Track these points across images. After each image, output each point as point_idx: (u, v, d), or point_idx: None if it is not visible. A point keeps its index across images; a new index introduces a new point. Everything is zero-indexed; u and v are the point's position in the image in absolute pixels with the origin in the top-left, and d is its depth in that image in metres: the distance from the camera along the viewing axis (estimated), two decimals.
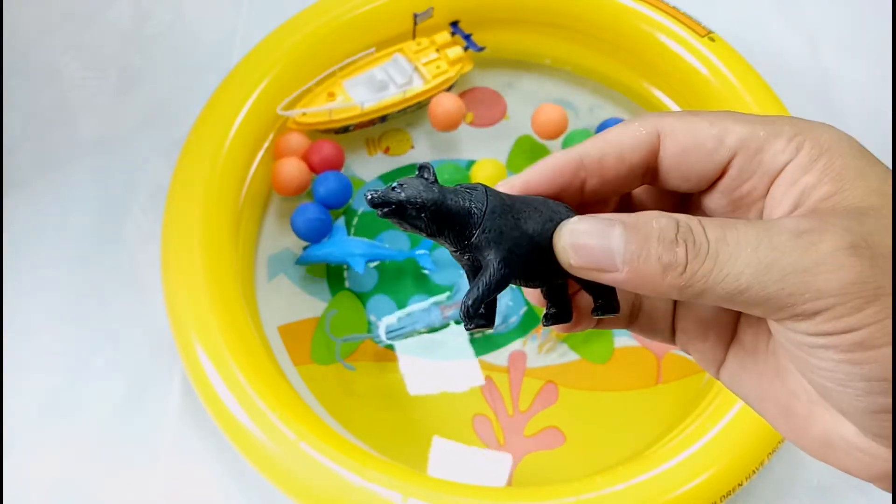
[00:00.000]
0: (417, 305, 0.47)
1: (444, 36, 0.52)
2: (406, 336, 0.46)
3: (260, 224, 0.50)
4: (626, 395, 0.45)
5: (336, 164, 0.50)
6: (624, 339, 0.47)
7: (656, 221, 0.17)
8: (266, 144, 0.49)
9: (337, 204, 0.48)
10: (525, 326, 0.47)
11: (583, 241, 0.18)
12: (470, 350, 0.46)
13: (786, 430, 0.19)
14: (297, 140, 0.49)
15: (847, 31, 0.59)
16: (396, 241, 0.49)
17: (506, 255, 0.18)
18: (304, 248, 0.48)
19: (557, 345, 0.47)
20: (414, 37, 0.52)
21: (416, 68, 0.51)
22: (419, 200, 0.19)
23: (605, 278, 0.17)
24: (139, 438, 0.43)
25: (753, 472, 0.39)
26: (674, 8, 0.51)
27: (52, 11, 0.58)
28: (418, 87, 0.51)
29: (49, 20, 0.58)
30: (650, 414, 0.45)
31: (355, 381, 0.45)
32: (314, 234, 0.47)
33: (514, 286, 0.19)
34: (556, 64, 0.55)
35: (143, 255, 0.48)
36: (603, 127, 0.52)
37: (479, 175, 0.49)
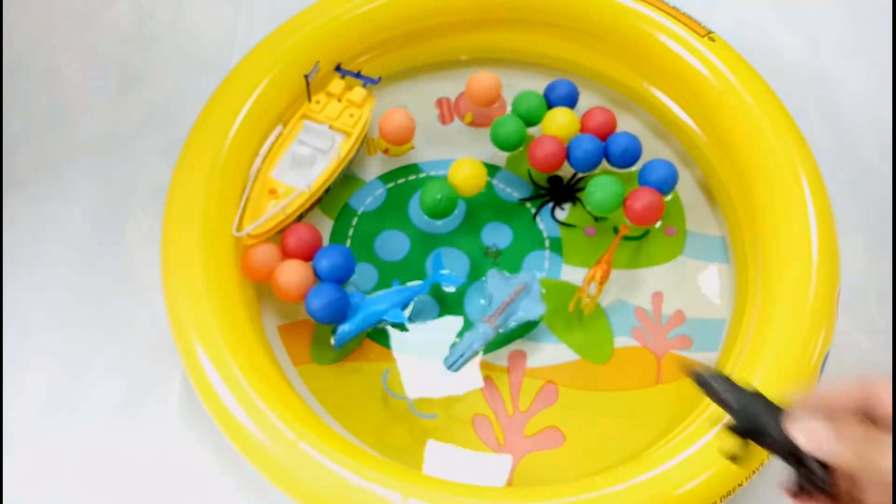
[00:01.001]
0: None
1: (337, 83, 0.50)
2: (468, 361, 0.45)
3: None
4: (626, 395, 0.45)
5: (318, 242, 0.47)
6: (624, 339, 0.47)
7: None
8: (267, 144, 0.49)
9: (345, 277, 0.46)
10: (525, 327, 0.47)
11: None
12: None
13: None
14: (264, 252, 0.45)
15: (847, 31, 0.59)
16: (396, 241, 0.49)
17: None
18: (335, 331, 0.45)
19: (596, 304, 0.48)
20: (310, 98, 0.49)
21: (330, 126, 0.49)
22: (733, 408, 0.28)
23: None
24: (139, 438, 0.44)
25: (753, 472, 0.39)
26: (674, 8, 0.51)
27: (52, 11, 0.58)
28: (344, 142, 0.49)
29: (49, 20, 0.58)
30: (650, 414, 0.44)
31: (355, 381, 0.45)
32: (337, 315, 0.44)
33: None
34: (555, 64, 0.55)
35: (143, 255, 0.48)
36: (551, 88, 0.52)
37: (458, 175, 0.48)
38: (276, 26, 0.50)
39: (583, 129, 0.51)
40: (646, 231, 0.50)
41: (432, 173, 0.52)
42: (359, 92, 0.50)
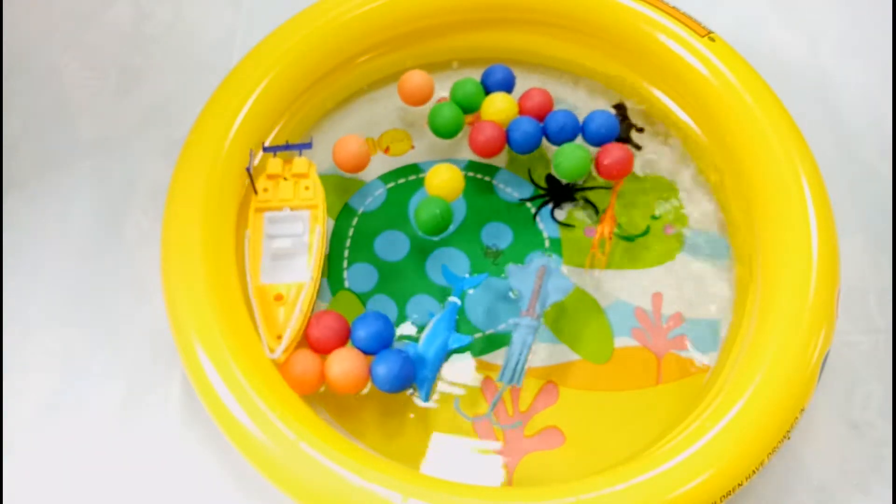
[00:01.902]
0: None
1: (274, 163, 0.47)
2: (524, 368, 0.44)
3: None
4: (626, 395, 0.45)
5: (344, 322, 0.43)
6: (624, 340, 0.47)
7: None
8: (266, 144, 0.49)
9: (389, 337, 0.43)
10: None
11: None
12: (471, 350, 0.46)
13: None
14: (302, 360, 0.42)
15: (847, 31, 0.59)
16: (396, 241, 0.49)
17: None
18: (418, 388, 0.43)
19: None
20: (256, 191, 0.46)
21: (290, 206, 0.46)
22: None
23: None
24: (139, 438, 0.44)
25: (753, 472, 0.39)
26: (674, 8, 0.51)
27: (52, 11, 0.58)
28: (313, 213, 0.46)
29: (49, 20, 0.58)
30: (650, 414, 0.44)
31: None
32: (411, 378, 0.43)
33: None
34: (555, 64, 0.55)
35: (143, 255, 0.48)
36: (487, 74, 0.52)
37: (434, 181, 0.48)
38: (276, 26, 0.50)
39: (521, 112, 0.51)
40: (646, 230, 0.50)
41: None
42: (299, 162, 0.47)
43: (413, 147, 0.53)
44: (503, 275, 0.48)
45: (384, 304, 0.48)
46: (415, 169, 0.52)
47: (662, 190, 0.52)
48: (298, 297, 0.43)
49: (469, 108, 0.52)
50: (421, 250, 0.49)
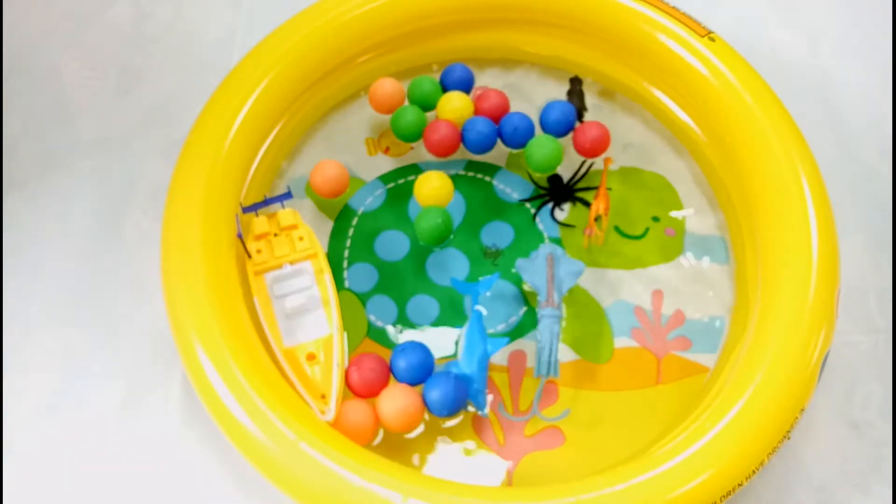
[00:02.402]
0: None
1: (260, 221, 0.46)
2: (557, 358, 0.44)
3: None
4: (626, 395, 0.45)
5: (383, 363, 0.43)
6: (624, 340, 0.47)
7: None
8: (266, 144, 0.49)
9: (430, 364, 0.43)
10: (525, 327, 0.47)
11: None
12: None
13: None
14: (354, 410, 0.41)
15: (847, 31, 0.59)
16: (396, 241, 0.49)
17: None
18: (472, 402, 0.43)
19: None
20: (250, 255, 0.45)
21: (290, 261, 0.45)
22: None
23: None
24: (139, 438, 0.44)
25: (753, 472, 0.39)
26: (674, 8, 0.51)
27: (52, 11, 0.58)
28: (316, 261, 0.45)
29: (49, 20, 0.58)
30: (650, 414, 0.44)
31: None
32: (466, 394, 0.42)
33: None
34: (555, 64, 0.55)
35: (143, 255, 0.48)
36: (446, 73, 0.53)
37: (423, 189, 0.48)
38: (276, 26, 0.50)
39: (477, 112, 0.51)
40: (646, 231, 0.50)
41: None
42: (285, 214, 0.46)
43: (413, 147, 0.53)
44: (513, 269, 0.48)
45: (384, 304, 0.48)
46: (415, 169, 0.52)
47: (662, 190, 0.52)
48: (331, 352, 0.42)
49: (426, 106, 0.52)
50: (421, 250, 0.49)
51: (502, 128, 0.51)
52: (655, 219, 0.51)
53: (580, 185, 0.52)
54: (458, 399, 0.41)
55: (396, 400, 0.41)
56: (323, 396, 0.41)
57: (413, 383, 0.42)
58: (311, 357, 0.42)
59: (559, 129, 0.51)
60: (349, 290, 0.48)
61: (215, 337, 0.40)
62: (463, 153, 0.52)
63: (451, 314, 0.47)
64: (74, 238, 0.49)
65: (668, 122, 0.53)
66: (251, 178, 0.48)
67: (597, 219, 0.49)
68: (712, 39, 0.49)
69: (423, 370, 0.42)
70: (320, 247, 0.46)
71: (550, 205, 0.51)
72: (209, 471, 0.43)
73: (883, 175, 0.53)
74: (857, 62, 0.58)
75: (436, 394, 0.41)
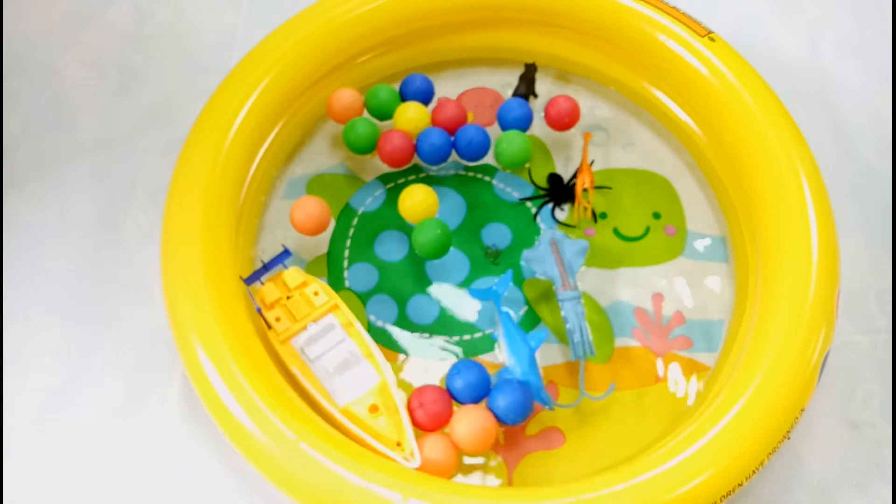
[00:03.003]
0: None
1: (269, 289, 0.44)
2: (590, 336, 0.44)
3: (260, 224, 0.50)
4: (626, 395, 0.45)
5: (445, 396, 0.42)
6: (624, 340, 0.47)
7: None
8: (266, 144, 0.49)
9: (486, 386, 0.42)
10: (524, 327, 0.47)
11: None
12: (471, 350, 0.46)
13: None
14: (435, 447, 0.40)
15: (847, 31, 0.59)
16: (396, 241, 0.49)
17: None
18: (540, 400, 0.42)
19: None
20: (269, 326, 0.43)
21: (313, 320, 0.43)
22: None
23: None
24: (139, 438, 0.44)
25: (753, 472, 0.39)
26: (674, 8, 0.51)
27: (52, 11, 0.58)
28: (339, 312, 0.43)
29: (49, 20, 0.58)
30: (650, 414, 0.44)
31: None
32: (530, 399, 0.42)
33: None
34: (556, 64, 0.55)
35: (143, 254, 0.48)
36: (406, 83, 0.52)
37: (406, 203, 0.47)
38: (276, 26, 0.50)
39: (434, 123, 0.51)
40: (646, 231, 0.50)
41: (432, 173, 0.52)
42: (290, 275, 0.44)
43: None
44: (521, 262, 0.48)
45: (384, 304, 0.48)
46: (415, 169, 0.52)
47: (662, 190, 0.52)
48: (390, 398, 0.41)
49: (383, 115, 0.51)
50: None
51: (457, 140, 0.50)
52: (656, 215, 0.51)
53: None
54: (526, 402, 0.41)
55: (471, 423, 0.40)
56: (399, 444, 0.40)
57: (476, 401, 0.42)
58: (373, 409, 0.41)
59: (521, 126, 0.51)
60: (349, 289, 0.48)
61: (215, 337, 0.40)
62: None
63: (451, 314, 0.47)
64: (74, 238, 0.49)
65: (668, 122, 0.53)
66: (251, 178, 0.48)
67: (584, 191, 0.50)
68: (712, 39, 0.49)
69: (482, 386, 0.42)
70: (337, 296, 0.44)
71: (551, 205, 0.51)
72: (209, 471, 0.43)
73: (883, 175, 0.53)
74: (857, 62, 0.58)
75: (504, 402, 0.41)
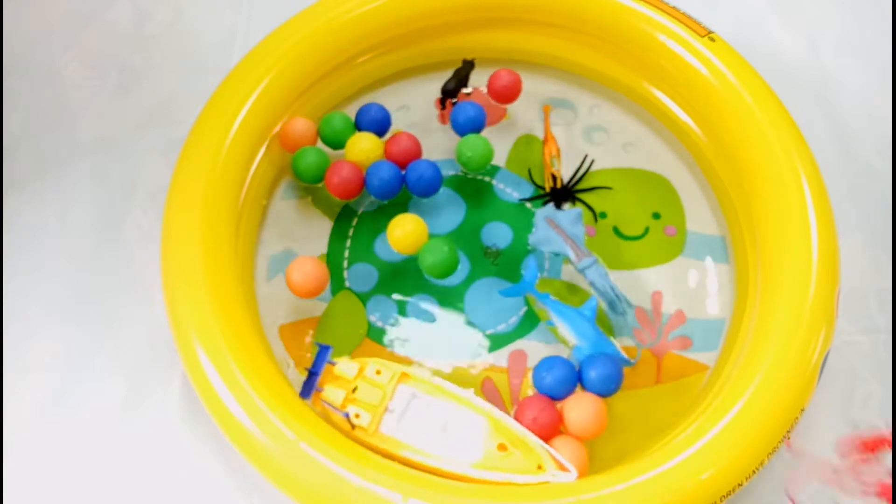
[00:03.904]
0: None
1: (332, 396, 0.41)
2: (621, 293, 0.45)
3: (260, 224, 0.50)
4: (627, 395, 0.45)
5: (552, 409, 0.41)
6: (624, 340, 0.47)
7: None
8: (267, 144, 0.49)
9: (573, 376, 0.42)
10: (525, 326, 0.47)
11: None
12: (472, 350, 0.46)
13: None
14: (565, 447, 0.40)
15: (847, 31, 0.59)
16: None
17: None
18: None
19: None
20: (354, 427, 0.40)
21: (390, 399, 0.41)
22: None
23: None
24: (139, 438, 0.44)
25: (753, 472, 0.39)
26: (674, 8, 0.51)
27: (52, 11, 0.58)
28: (411, 385, 0.41)
29: (49, 20, 0.58)
30: (650, 414, 0.44)
31: None
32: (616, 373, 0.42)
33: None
34: (556, 64, 0.55)
35: (143, 254, 0.48)
36: (363, 112, 0.50)
37: (395, 233, 0.46)
38: (276, 26, 0.50)
39: (386, 155, 0.49)
40: (646, 231, 0.50)
41: None
42: (343, 367, 0.42)
43: None
44: (529, 247, 0.48)
45: (384, 304, 0.48)
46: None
47: (662, 190, 0.52)
48: (509, 431, 0.40)
49: (336, 144, 0.50)
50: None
51: (407, 175, 0.48)
52: (656, 216, 0.51)
53: (580, 185, 0.52)
54: (617, 368, 0.42)
55: (584, 412, 0.40)
56: (540, 466, 0.39)
57: (570, 392, 0.42)
58: (502, 448, 0.39)
59: (475, 127, 0.51)
60: (349, 289, 0.48)
61: (215, 337, 0.40)
62: None
63: (451, 312, 0.47)
64: (74, 238, 0.49)
65: (668, 122, 0.53)
66: (251, 178, 0.48)
67: (552, 162, 0.51)
68: (712, 39, 0.49)
69: (572, 377, 0.42)
70: (398, 364, 0.42)
71: (551, 205, 0.51)
72: (209, 471, 0.43)
73: (883, 175, 0.53)
74: (857, 62, 0.58)
75: (598, 376, 0.41)
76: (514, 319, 0.47)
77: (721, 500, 0.38)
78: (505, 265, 0.49)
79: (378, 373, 0.41)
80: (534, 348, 0.46)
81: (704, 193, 0.52)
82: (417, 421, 0.40)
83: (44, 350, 0.46)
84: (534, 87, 0.55)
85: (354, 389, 0.41)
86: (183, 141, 0.46)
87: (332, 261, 0.49)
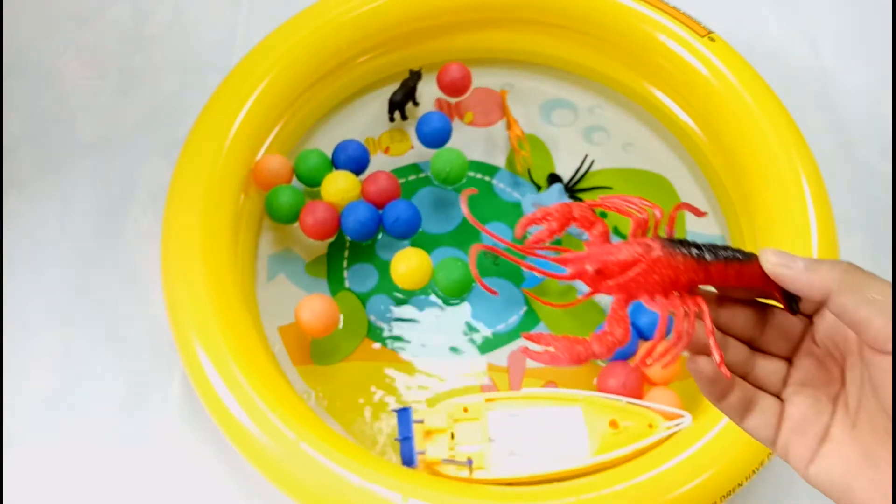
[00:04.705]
0: None
1: (436, 447, 0.41)
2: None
3: (260, 224, 0.50)
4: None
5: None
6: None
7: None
8: (266, 144, 0.49)
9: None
10: (525, 326, 0.47)
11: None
12: (472, 350, 0.46)
13: None
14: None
15: (847, 31, 0.59)
16: (396, 242, 0.49)
17: None
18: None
19: None
20: (471, 471, 0.40)
21: (487, 429, 0.41)
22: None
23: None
24: (139, 438, 0.44)
25: (753, 472, 0.39)
26: (674, 8, 0.51)
27: (52, 11, 0.58)
28: (497, 405, 0.42)
29: (49, 20, 0.58)
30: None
31: (355, 381, 0.45)
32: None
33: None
34: (556, 64, 0.55)
35: (143, 254, 0.48)
36: (341, 149, 0.49)
37: (399, 269, 0.45)
38: (276, 26, 0.50)
39: (364, 194, 0.48)
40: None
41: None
42: (433, 421, 0.41)
43: (413, 147, 0.53)
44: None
45: (384, 304, 0.48)
46: (415, 169, 0.52)
47: (662, 190, 0.52)
48: (600, 403, 0.41)
49: (311, 182, 0.49)
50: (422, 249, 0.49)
51: (384, 216, 0.47)
52: None
53: (580, 185, 0.52)
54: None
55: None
56: (651, 426, 0.40)
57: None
58: (614, 425, 0.40)
59: (442, 138, 0.50)
60: (349, 290, 0.48)
61: (215, 337, 0.40)
62: (465, 152, 0.52)
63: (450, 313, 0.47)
64: (74, 238, 0.49)
65: (668, 122, 0.53)
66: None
67: (520, 145, 0.51)
68: (712, 39, 0.49)
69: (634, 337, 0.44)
70: (477, 396, 0.42)
71: (535, 190, 0.51)
72: (209, 471, 0.43)
73: (883, 175, 0.53)
74: (857, 62, 0.58)
75: (648, 320, 0.42)
76: (514, 319, 0.47)
77: (721, 500, 0.38)
78: (505, 265, 0.49)
79: (465, 410, 0.41)
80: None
81: (704, 193, 0.52)
82: (524, 438, 0.40)
83: (44, 350, 0.46)
84: (534, 87, 0.55)
85: (452, 435, 0.40)
86: (183, 141, 0.47)
87: (332, 261, 0.49)
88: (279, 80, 0.48)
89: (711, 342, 0.24)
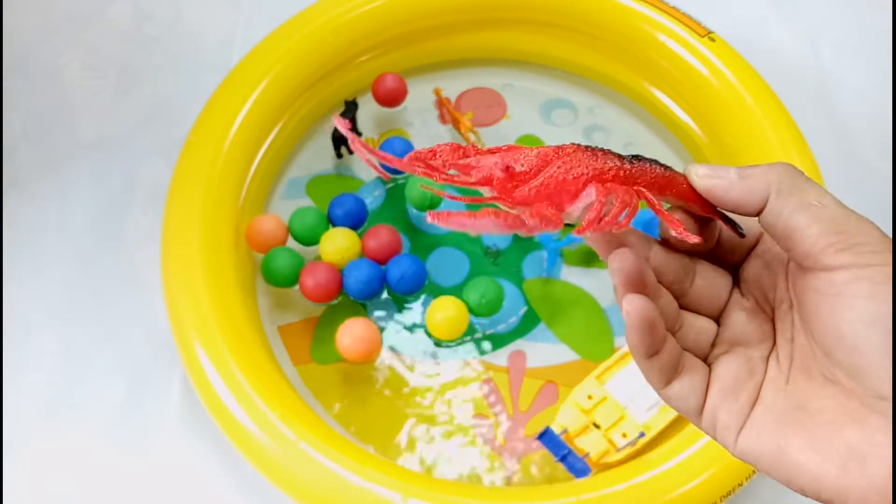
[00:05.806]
0: None
1: (592, 443, 0.42)
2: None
3: None
4: None
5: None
6: (624, 340, 0.47)
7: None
8: (266, 144, 0.49)
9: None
10: (525, 326, 0.47)
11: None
12: (472, 350, 0.46)
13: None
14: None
15: (847, 31, 0.59)
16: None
17: None
18: None
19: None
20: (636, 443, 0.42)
21: (620, 409, 0.43)
22: None
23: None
24: (139, 438, 0.44)
25: (753, 472, 0.39)
26: (674, 8, 0.51)
27: (52, 11, 0.58)
28: (600, 379, 0.43)
29: (49, 20, 0.58)
30: None
31: (355, 381, 0.45)
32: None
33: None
34: (555, 64, 0.55)
35: (143, 254, 0.48)
36: (337, 204, 0.47)
37: (436, 317, 0.45)
38: (276, 26, 0.50)
39: (364, 250, 0.46)
40: None
41: None
42: (568, 419, 0.43)
43: (413, 148, 0.53)
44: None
45: (384, 304, 0.48)
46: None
47: None
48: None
49: (308, 241, 0.47)
50: (420, 249, 0.49)
51: (388, 272, 0.46)
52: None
53: None
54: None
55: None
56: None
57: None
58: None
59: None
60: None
61: (215, 337, 0.41)
62: None
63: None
64: (74, 238, 0.49)
65: (668, 122, 0.53)
66: (251, 178, 0.48)
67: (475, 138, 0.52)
68: (712, 39, 0.49)
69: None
70: (591, 379, 0.43)
71: None
72: (209, 471, 0.43)
73: (883, 175, 0.53)
74: (857, 62, 0.58)
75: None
76: (514, 319, 0.47)
77: (721, 500, 0.38)
78: (505, 265, 0.49)
79: (590, 397, 0.43)
80: (533, 348, 0.46)
81: None
82: (643, 389, 0.40)
83: (44, 350, 0.46)
84: (534, 87, 0.55)
85: (596, 426, 0.42)
86: (183, 141, 0.47)
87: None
88: (279, 80, 0.48)
89: (662, 219, 0.22)
